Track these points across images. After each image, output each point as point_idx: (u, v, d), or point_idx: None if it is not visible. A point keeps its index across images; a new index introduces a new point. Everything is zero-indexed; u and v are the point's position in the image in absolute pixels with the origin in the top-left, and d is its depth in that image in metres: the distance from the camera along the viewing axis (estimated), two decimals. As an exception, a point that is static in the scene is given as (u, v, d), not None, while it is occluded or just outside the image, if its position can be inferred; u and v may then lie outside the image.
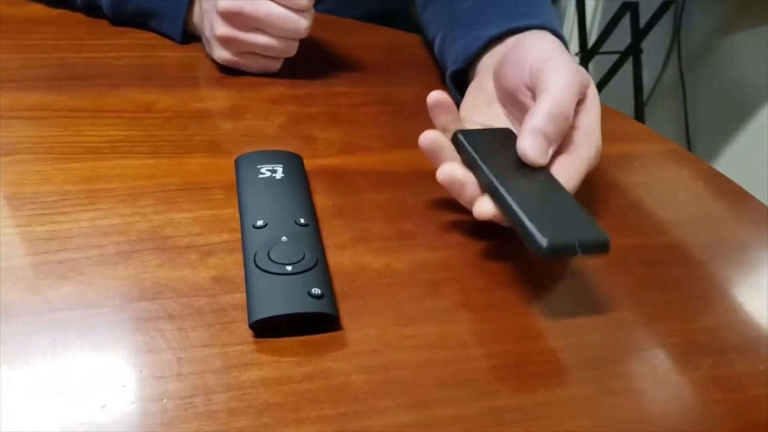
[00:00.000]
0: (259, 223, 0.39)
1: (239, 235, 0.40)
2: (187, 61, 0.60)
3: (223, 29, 0.54)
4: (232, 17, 0.53)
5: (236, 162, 0.46)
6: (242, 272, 0.38)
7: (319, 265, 0.37)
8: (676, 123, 1.79)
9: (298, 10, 0.54)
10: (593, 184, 0.50)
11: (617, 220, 0.47)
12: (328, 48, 0.64)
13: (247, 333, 0.35)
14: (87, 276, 0.37)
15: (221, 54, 0.57)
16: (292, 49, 0.57)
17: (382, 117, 0.56)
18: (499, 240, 0.44)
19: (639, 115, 1.75)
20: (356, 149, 0.51)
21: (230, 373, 0.33)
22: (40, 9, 0.67)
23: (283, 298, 0.35)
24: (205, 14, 0.58)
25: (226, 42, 0.55)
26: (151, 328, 0.35)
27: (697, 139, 1.75)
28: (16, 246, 0.39)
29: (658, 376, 0.36)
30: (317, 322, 0.35)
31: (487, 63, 0.52)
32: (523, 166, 0.41)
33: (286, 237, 0.38)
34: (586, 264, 0.43)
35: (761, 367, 0.36)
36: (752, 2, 1.34)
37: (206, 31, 0.58)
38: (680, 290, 0.42)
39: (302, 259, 0.37)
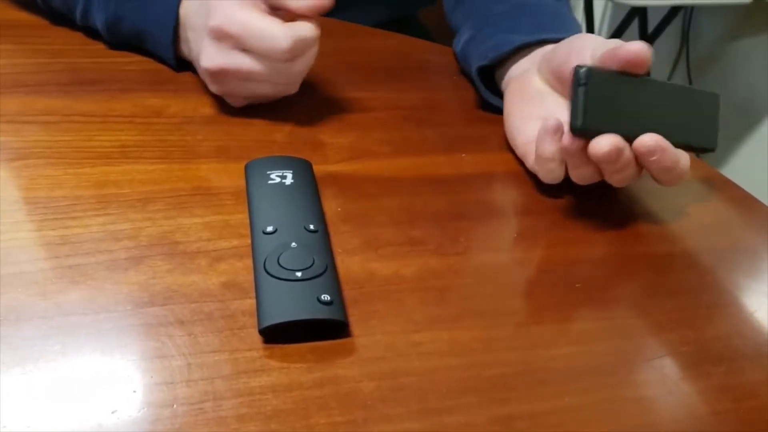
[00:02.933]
0: (269, 228, 0.39)
1: (249, 241, 0.40)
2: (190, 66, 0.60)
3: (215, 87, 0.52)
4: (219, 76, 0.50)
5: (246, 167, 0.46)
6: (252, 278, 0.38)
7: (328, 272, 0.37)
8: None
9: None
10: (602, 192, 0.50)
11: (626, 227, 0.47)
12: (338, 54, 0.65)
13: (256, 339, 0.35)
14: (97, 281, 0.37)
15: (234, 102, 0.53)
16: (292, 88, 0.53)
17: (391, 122, 0.56)
18: (507, 246, 0.44)
19: (647, 121, 1.75)
20: (365, 155, 0.51)
21: (240, 379, 0.33)
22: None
23: (292, 305, 0.35)
24: (194, 63, 0.54)
25: (226, 95, 0.53)
26: (161, 333, 0.35)
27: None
28: (27, 250, 0.39)
29: (668, 384, 0.36)
30: (327, 329, 0.35)
31: (522, 67, 0.54)
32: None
33: (296, 243, 0.38)
34: (595, 271, 0.43)
35: (773, 376, 0.36)
36: (760, 8, 1.34)
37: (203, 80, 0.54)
38: (690, 297, 0.41)
39: (312, 265, 0.37)
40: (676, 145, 0.44)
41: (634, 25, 1.68)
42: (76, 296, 0.36)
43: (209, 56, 0.50)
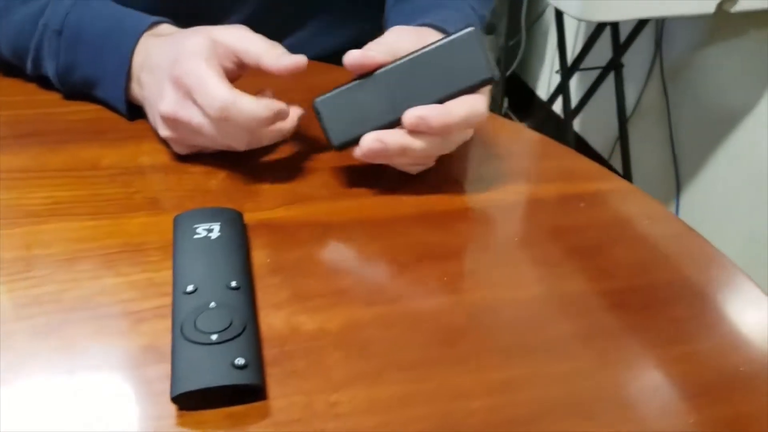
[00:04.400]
0: (189, 288, 0.39)
1: (171, 300, 0.40)
2: (139, 113, 0.60)
3: (165, 132, 0.52)
4: (171, 122, 0.51)
5: (174, 221, 0.46)
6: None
7: (246, 332, 0.37)
8: (660, 137, 1.79)
9: None
10: (538, 227, 0.50)
11: (560, 266, 0.47)
12: (278, 93, 0.64)
13: (171, 406, 0.35)
14: (16, 350, 0.37)
15: (178, 150, 0.54)
16: (238, 148, 0.53)
17: (331, 164, 0.56)
18: (436, 291, 0.43)
19: (623, 131, 1.75)
20: (301, 199, 0.51)
21: (147, 452, 0.32)
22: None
23: (205, 370, 0.35)
24: (146, 103, 0.55)
25: (173, 141, 0.54)
26: (74, 402, 0.34)
27: (682, 152, 1.75)
28: (-52, 320, 0.39)
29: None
30: (243, 393, 0.35)
31: None
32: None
33: (216, 302, 0.38)
34: (524, 313, 0.43)
35: (692, 420, 0.36)
36: (732, 16, 1.35)
37: (151, 123, 0.55)
38: (620, 339, 0.41)
39: (229, 326, 0.37)
40: (447, 99, 0.48)
41: (606, 34, 1.69)
42: (-7, 367, 0.36)
43: (167, 102, 0.51)
